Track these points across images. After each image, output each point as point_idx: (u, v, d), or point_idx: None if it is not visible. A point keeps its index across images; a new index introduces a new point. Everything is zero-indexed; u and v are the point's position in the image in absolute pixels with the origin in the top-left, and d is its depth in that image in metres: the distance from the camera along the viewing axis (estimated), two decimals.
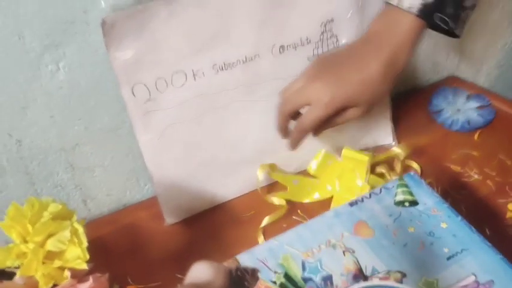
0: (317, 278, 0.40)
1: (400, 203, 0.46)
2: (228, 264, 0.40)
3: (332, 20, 0.56)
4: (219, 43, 0.51)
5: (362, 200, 0.46)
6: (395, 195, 0.47)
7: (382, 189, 0.47)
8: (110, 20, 0.45)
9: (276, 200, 0.58)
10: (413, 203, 0.46)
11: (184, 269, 0.31)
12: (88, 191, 0.57)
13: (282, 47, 0.55)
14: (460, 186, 0.60)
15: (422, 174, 0.61)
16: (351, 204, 0.46)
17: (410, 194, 0.47)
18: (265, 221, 0.56)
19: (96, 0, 0.44)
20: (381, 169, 0.60)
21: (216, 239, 0.56)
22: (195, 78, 0.52)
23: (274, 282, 0.39)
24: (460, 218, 0.45)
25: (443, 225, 0.44)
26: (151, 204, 0.59)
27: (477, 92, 0.73)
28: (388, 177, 0.60)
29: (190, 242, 0.56)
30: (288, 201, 0.59)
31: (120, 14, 0.45)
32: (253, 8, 0.51)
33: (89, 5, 0.44)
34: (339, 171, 0.57)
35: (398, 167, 0.61)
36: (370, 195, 0.47)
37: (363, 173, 0.55)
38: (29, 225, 0.37)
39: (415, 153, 0.64)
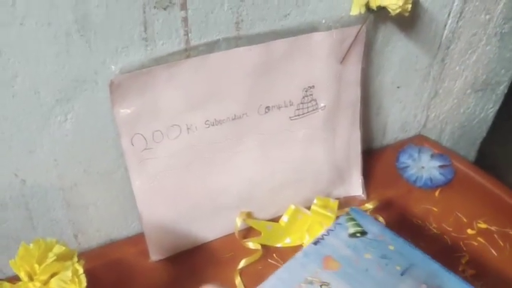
0: None
1: (353, 235, 0.54)
2: None
3: (313, 86, 0.63)
4: (212, 102, 0.57)
5: (323, 238, 0.53)
6: (347, 228, 0.54)
7: (336, 226, 0.55)
8: (117, 81, 0.50)
9: (251, 244, 0.64)
10: (363, 233, 0.54)
11: None
12: (80, 226, 0.62)
13: (267, 107, 0.62)
14: (420, 239, 0.66)
15: (387, 226, 0.68)
16: (315, 243, 0.53)
17: (359, 225, 0.55)
18: (242, 263, 0.62)
19: (106, 63, 0.50)
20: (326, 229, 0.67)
21: (197, 277, 0.61)
22: (188, 132, 0.58)
23: None
24: (401, 239, 0.53)
25: (391, 247, 0.52)
26: (137, 241, 0.64)
27: (440, 151, 0.81)
28: None
29: (173, 278, 0.61)
30: (263, 246, 0.64)
31: (127, 76, 0.51)
32: (244, 75, 0.58)
33: (100, 67, 0.50)
34: (308, 224, 0.63)
35: None
36: (328, 232, 0.54)
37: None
38: (36, 265, 0.41)
39: (381, 206, 0.70)
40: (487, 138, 0.97)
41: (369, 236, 0.53)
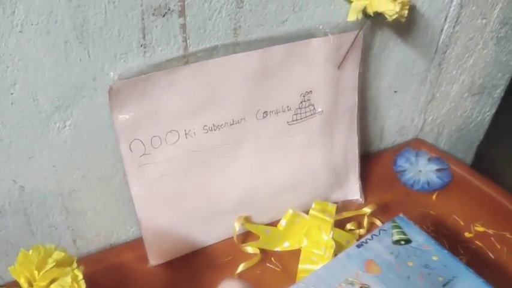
0: None
1: (397, 242, 0.54)
2: None
3: (310, 92, 0.63)
4: (210, 108, 0.58)
5: (366, 242, 0.54)
6: (392, 235, 0.55)
7: (381, 231, 0.55)
8: (116, 87, 0.51)
9: (250, 248, 0.64)
10: (408, 241, 0.54)
11: None
12: (78, 232, 0.62)
13: (265, 112, 0.62)
14: None
15: None
16: (358, 246, 0.53)
17: (404, 233, 0.55)
18: (241, 267, 0.62)
19: (105, 70, 0.50)
20: (350, 226, 0.67)
21: (195, 282, 0.61)
22: (186, 137, 0.58)
23: None
24: (446, 251, 0.53)
25: (435, 258, 0.52)
26: (136, 245, 0.64)
27: (437, 155, 0.81)
28: (357, 232, 0.67)
29: (171, 283, 0.61)
30: (262, 250, 0.65)
31: (125, 82, 0.51)
32: (242, 80, 0.58)
33: (98, 73, 0.50)
34: (306, 228, 0.64)
35: (365, 223, 0.68)
36: (372, 236, 0.54)
37: (328, 230, 0.62)
38: (36, 271, 0.42)
39: (379, 210, 0.71)
40: (484, 141, 0.98)
41: (413, 244, 0.53)
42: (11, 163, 0.52)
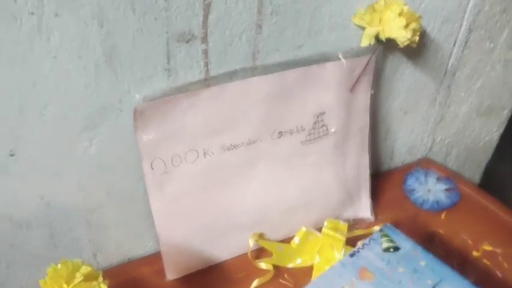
0: None
1: (387, 249, 0.57)
2: None
3: (324, 113, 0.66)
4: (228, 129, 0.60)
5: (358, 251, 0.57)
6: (381, 243, 0.58)
7: (371, 241, 0.59)
8: (141, 108, 0.53)
9: (264, 265, 0.66)
10: (396, 248, 0.57)
11: None
12: (99, 246, 0.64)
13: (280, 132, 0.64)
14: None
15: None
16: (351, 255, 0.57)
17: (392, 241, 0.58)
18: (255, 283, 0.64)
19: (131, 92, 0.53)
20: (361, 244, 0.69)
21: None
22: (205, 156, 0.61)
23: None
24: (432, 255, 0.56)
25: (422, 263, 0.55)
26: (153, 260, 0.66)
27: (446, 174, 0.83)
28: None
29: None
30: (275, 266, 0.66)
31: (149, 104, 0.54)
32: (259, 102, 0.60)
33: (125, 95, 0.53)
34: (318, 246, 0.66)
35: None
36: (363, 246, 0.58)
37: (340, 247, 0.64)
38: (65, 285, 0.44)
39: None
40: (492, 160, 0.99)
41: (401, 251, 0.57)
42: (39, 180, 0.54)
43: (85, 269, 0.46)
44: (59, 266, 0.46)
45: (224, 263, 0.68)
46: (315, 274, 0.65)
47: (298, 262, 0.68)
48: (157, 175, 0.59)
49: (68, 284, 0.44)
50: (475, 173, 1.00)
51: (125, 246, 0.66)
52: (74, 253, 0.63)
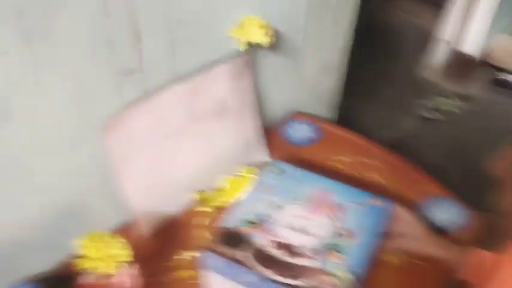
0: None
1: (277, 173, 0.92)
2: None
3: (226, 97, 0.97)
4: (165, 122, 0.89)
5: (261, 178, 0.89)
6: (273, 170, 0.92)
7: (267, 170, 0.93)
8: (109, 123, 0.80)
9: (208, 208, 0.98)
10: (282, 171, 0.92)
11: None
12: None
13: (199, 117, 0.95)
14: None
15: None
16: (258, 182, 0.90)
17: (279, 168, 0.93)
18: (206, 221, 0.96)
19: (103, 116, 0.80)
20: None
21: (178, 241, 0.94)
22: (153, 143, 0.89)
23: None
24: (304, 170, 0.93)
25: (300, 175, 0.92)
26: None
27: (311, 119, 1.21)
28: None
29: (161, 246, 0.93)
30: (215, 207, 0.99)
31: (120, 117, 0.81)
32: (184, 101, 0.90)
33: (98, 120, 0.79)
34: (241, 186, 0.99)
35: None
36: (263, 174, 0.89)
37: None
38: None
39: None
40: (343, 101, 1.39)
41: (285, 172, 0.91)
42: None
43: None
44: (91, 235, 0.73)
45: (178, 214, 0.98)
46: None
47: (229, 200, 1.00)
48: (124, 158, 0.86)
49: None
50: (332, 114, 1.40)
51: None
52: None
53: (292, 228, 0.81)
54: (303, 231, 0.81)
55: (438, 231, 0.95)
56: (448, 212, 1.00)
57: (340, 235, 0.81)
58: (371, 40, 2.11)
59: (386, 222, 0.86)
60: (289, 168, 0.93)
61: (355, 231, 0.82)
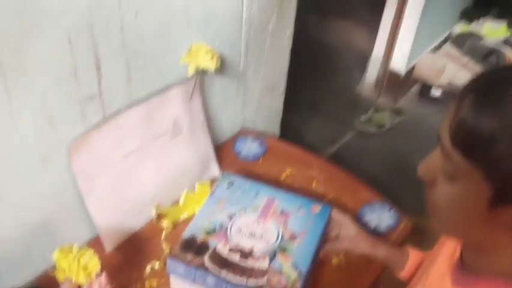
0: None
1: (228, 185, 1.01)
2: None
3: (178, 118, 1.06)
4: (125, 143, 0.97)
5: (214, 191, 0.98)
6: (223, 183, 1.01)
7: (218, 183, 1.02)
8: (72, 147, 0.87)
9: (165, 222, 1.06)
10: (231, 183, 1.01)
11: None
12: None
13: (156, 137, 1.03)
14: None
15: None
16: (210, 195, 0.99)
17: (229, 180, 1.01)
18: (162, 236, 1.03)
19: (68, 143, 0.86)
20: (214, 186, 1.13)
21: (141, 254, 1.00)
22: (115, 162, 0.96)
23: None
24: (252, 181, 1.02)
25: (247, 186, 1.01)
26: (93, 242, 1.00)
27: (257, 135, 1.32)
28: None
29: (124, 260, 0.99)
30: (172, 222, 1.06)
31: (81, 137, 0.87)
32: (140, 123, 0.98)
33: (64, 146, 0.86)
34: (196, 201, 1.08)
35: None
36: (215, 187, 0.99)
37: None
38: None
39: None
40: (286, 117, 1.51)
41: (235, 184, 1.01)
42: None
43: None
44: (62, 249, 0.79)
45: (140, 229, 1.05)
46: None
47: (184, 216, 1.08)
48: (88, 178, 0.92)
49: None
50: (275, 129, 1.52)
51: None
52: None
53: (245, 234, 0.91)
54: (254, 236, 0.90)
55: (374, 234, 1.07)
56: (382, 216, 1.12)
57: (286, 238, 0.91)
58: (311, 59, 2.28)
59: (325, 225, 0.97)
60: (239, 180, 1.02)
61: (299, 234, 0.93)
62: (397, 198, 1.20)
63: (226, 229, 0.91)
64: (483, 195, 0.52)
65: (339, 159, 2.12)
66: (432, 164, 0.59)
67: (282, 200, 0.99)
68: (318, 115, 2.33)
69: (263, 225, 0.93)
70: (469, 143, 0.51)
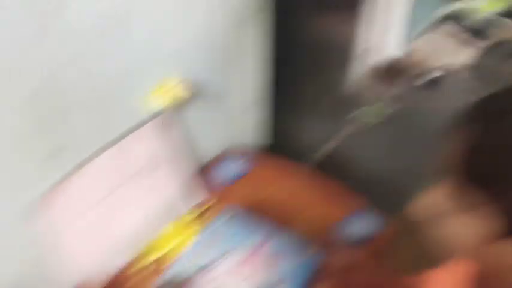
0: None
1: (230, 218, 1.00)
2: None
3: (155, 154, 1.04)
4: (98, 190, 0.95)
5: (210, 226, 0.97)
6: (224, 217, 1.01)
7: (213, 224, 1.00)
8: (46, 198, 0.85)
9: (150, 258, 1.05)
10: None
11: None
12: None
13: (131, 176, 1.01)
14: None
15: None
16: (205, 229, 0.97)
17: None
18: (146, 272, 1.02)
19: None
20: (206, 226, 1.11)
21: None
22: (88, 210, 0.95)
23: None
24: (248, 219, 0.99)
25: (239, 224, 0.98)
26: None
27: (240, 153, 1.29)
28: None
29: None
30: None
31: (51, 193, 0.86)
32: (112, 165, 0.96)
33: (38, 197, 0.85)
34: (180, 236, 1.06)
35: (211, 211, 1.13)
36: (207, 228, 0.98)
37: (195, 230, 1.05)
38: None
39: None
40: (272, 125, 1.48)
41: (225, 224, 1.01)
42: None
43: None
44: None
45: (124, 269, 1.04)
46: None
47: (165, 251, 1.07)
48: (59, 231, 0.91)
49: None
50: (267, 137, 1.49)
51: None
52: None
53: (231, 275, 0.89)
54: (240, 277, 0.89)
55: (357, 244, 1.05)
56: (367, 225, 1.10)
57: (272, 282, 0.90)
58: (299, 59, 2.22)
59: (312, 272, 0.96)
60: (226, 220, 1.01)
61: (286, 279, 0.91)
62: (399, 192, 1.16)
63: (212, 270, 0.91)
64: (501, 226, 0.50)
65: (338, 156, 2.08)
66: (431, 201, 0.56)
67: (273, 243, 0.99)
68: (314, 113, 2.28)
69: (251, 267, 0.93)
70: (490, 174, 0.49)
